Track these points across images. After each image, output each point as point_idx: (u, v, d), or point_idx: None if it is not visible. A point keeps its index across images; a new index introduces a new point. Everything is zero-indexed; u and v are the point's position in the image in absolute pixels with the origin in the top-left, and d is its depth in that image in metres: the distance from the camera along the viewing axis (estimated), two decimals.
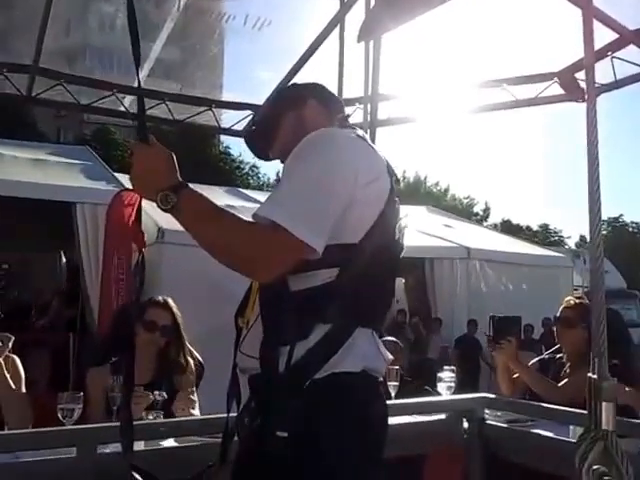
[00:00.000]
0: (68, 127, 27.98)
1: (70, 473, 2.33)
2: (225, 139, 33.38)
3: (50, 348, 8.06)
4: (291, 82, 2.25)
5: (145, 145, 1.74)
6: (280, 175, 1.88)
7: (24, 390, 3.14)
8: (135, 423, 2.04)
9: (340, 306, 1.71)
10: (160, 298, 3.52)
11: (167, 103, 4.33)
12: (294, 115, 2.03)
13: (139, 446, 2.32)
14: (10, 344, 3.14)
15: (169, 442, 2.61)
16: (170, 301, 3.51)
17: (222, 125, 4.95)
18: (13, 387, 3.08)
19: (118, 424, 2.19)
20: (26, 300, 9.09)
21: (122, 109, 4.37)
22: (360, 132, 1.94)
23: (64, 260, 9.34)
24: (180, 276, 6.39)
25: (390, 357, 1.90)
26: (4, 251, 9.35)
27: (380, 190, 1.78)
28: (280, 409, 1.67)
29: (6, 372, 3.07)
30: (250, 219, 1.69)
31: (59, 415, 2.60)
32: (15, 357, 3.20)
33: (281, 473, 1.66)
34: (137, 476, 1.89)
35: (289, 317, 1.72)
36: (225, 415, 1.97)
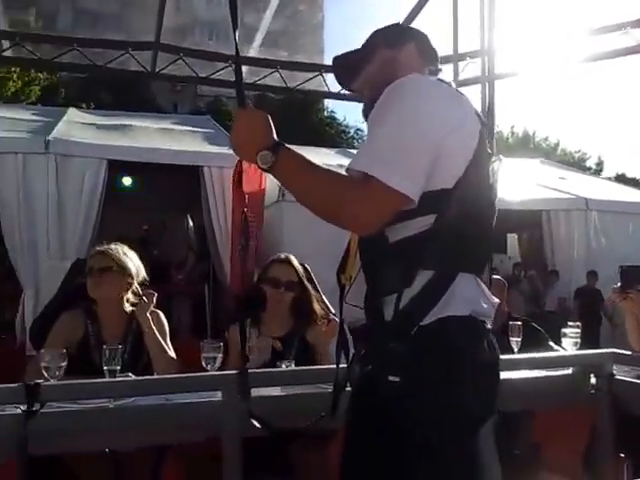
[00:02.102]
0: (184, 100, 28.69)
1: (217, 415, 2.50)
2: (329, 104, 33.62)
3: (189, 299, 8.47)
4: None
5: (243, 110, 1.79)
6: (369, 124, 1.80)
7: (169, 341, 3.31)
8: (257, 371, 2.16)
9: (440, 252, 1.68)
10: (282, 255, 3.63)
11: (280, 71, 4.38)
12: (389, 53, 1.97)
13: (256, 393, 2.38)
14: (154, 299, 3.31)
15: (281, 391, 2.70)
16: (292, 257, 3.61)
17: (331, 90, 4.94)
18: (159, 340, 3.25)
19: (259, 371, 2.35)
20: (164, 257, 9.53)
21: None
22: (446, 80, 1.87)
23: (190, 222, 9.70)
24: (301, 233, 6.55)
25: (496, 300, 1.83)
26: (144, 214, 9.84)
27: (470, 135, 1.73)
28: (391, 355, 1.67)
29: (153, 326, 3.24)
30: None
31: (203, 363, 2.74)
32: (159, 312, 3.36)
33: (394, 418, 1.64)
34: (254, 422, 1.99)
35: (391, 267, 1.72)
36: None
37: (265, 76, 4.27)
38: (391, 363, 1.66)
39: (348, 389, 1.94)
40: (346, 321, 2.05)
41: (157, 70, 4.24)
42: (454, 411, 1.64)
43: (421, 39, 2.02)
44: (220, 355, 2.76)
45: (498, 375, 1.80)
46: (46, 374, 2.57)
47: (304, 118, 27.44)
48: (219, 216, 7.37)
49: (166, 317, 3.42)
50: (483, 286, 1.80)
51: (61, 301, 3.55)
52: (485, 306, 1.76)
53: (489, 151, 1.81)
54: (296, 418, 2.21)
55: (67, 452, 2.69)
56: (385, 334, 1.70)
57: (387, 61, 1.96)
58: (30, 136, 7.42)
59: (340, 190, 1.65)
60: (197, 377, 2.65)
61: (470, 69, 3.28)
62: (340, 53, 2.09)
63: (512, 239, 12.66)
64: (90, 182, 6.99)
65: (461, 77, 4.41)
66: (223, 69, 4.25)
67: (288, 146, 1.73)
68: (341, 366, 1.98)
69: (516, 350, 3.31)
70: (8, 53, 4.27)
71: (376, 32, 2.06)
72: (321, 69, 4.67)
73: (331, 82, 4.92)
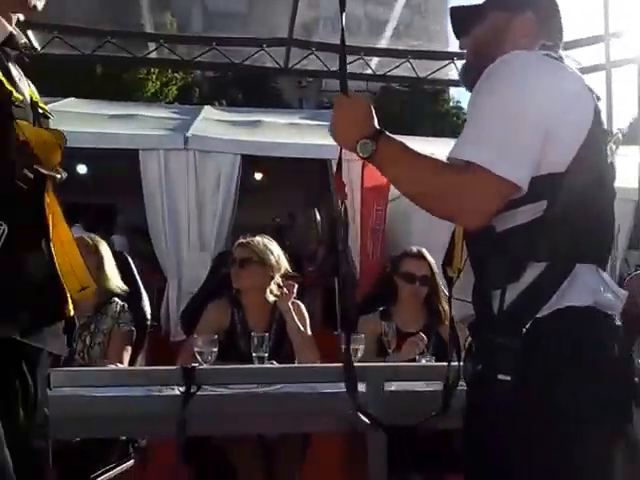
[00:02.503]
0: (309, 95, 29.07)
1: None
2: (455, 94, 32.98)
3: (320, 291, 8.61)
4: None
5: (345, 97, 1.70)
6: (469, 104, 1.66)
7: (309, 332, 3.39)
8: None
9: (553, 242, 1.54)
10: (414, 249, 3.62)
11: (410, 61, 4.36)
12: (502, 17, 1.78)
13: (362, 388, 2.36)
14: (295, 290, 3.41)
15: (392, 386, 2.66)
16: (424, 251, 3.60)
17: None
18: (302, 329, 3.35)
19: (402, 364, 2.37)
20: (295, 250, 9.73)
21: (369, 72, 4.47)
22: (556, 55, 1.69)
23: (318, 216, 9.81)
24: (430, 226, 6.50)
25: (624, 292, 1.65)
26: (274, 207, 10.07)
27: (583, 114, 1.58)
28: (500, 352, 1.56)
29: (295, 316, 3.35)
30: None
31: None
32: (300, 303, 3.47)
33: (508, 419, 1.55)
34: (363, 417, 1.95)
35: (499, 259, 1.59)
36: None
37: (396, 66, 4.24)
38: (501, 361, 1.55)
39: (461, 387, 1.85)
40: (456, 317, 1.97)
41: (290, 65, 4.33)
42: (573, 413, 1.50)
43: (545, 6, 1.80)
44: (362, 346, 2.81)
45: (629, 374, 1.65)
46: (199, 358, 2.70)
47: (430, 109, 27.18)
48: (348, 209, 7.42)
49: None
50: (607, 277, 1.65)
51: (208, 290, 3.72)
52: (610, 298, 1.60)
53: (605, 128, 1.66)
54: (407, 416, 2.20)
55: (220, 434, 2.84)
56: (494, 330, 1.59)
57: (498, 26, 1.78)
58: (170, 133, 7.71)
59: (444, 180, 1.56)
60: (335, 368, 2.70)
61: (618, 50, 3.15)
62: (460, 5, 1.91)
63: None
64: (226, 176, 7.19)
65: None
66: (353, 62, 4.26)
67: (389, 134, 1.65)
68: (453, 364, 1.90)
69: None
70: (153, 55, 4.48)
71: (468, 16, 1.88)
72: (453, 57, 4.55)
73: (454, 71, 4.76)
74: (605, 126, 1.66)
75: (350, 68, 4.69)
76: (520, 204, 1.55)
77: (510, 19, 1.77)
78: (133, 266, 3.63)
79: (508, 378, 1.53)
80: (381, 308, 3.57)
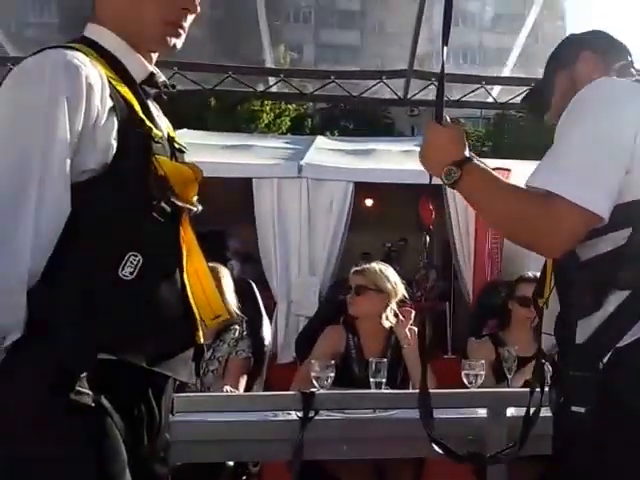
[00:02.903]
0: (421, 123, 29.00)
1: (482, 432, 2.50)
2: None
3: (430, 316, 8.53)
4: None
5: (437, 124, 1.71)
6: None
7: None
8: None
9: (637, 269, 1.48)
10: (530, 274, 3.54)
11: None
12: (566, 74, 1.81)
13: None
14: (412, 317, 3.41)
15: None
16: None
17: None
18: (417, 356, 3.32)
19: (524, 390, 2.32)
20: (405, 275, 9.70)
21: (490, 100, 4.44)
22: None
23: (427, 239, 9.72)
24: None
25: None
26: (386, 232, 10.08)
27: None
28: (575, 383, 1.52)
29: (412, 342, 3.33)
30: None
31: (464, 380, 2.77)
32: (415, 329, 3.39)
33: (583, 453, 1.49)
34: (435, 447, 1.91)
35: (582, 288, 1.55)
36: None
37: (519, 94, 4.20)
38: (577, 392, 1.50)
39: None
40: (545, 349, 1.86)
41: (409, 96, 4.35)
42: None
43: (596, 41, 1.82)
44: (482, 372, 2.77)
45: None
46: (316, 383, 2.72)
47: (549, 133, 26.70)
48: (461, 233, 7.33)
49: None
50: None
51: (323, 317, 3.76)
52: None
53: None
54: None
55: (335, 458, 2.85)
56: (574, 360, 1.55)
57: (567, 81, 1.80)
58: (284, 162, 7.89)
59: (526, 210, 1.53)
60: (462, 393, 2.69)
61: None
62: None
63: None
64: (338, 203, 7.26)
65: None
66: (476, 90, 4.24)
67: (478, 162, 1.64)
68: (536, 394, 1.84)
69: None
70: (274, 89, 4.61)
71: (550, 56, 1.92)
72: None
73: None
74: None
75: (471, 97, 4.65)
76: (604, 232, 1.51)
77: (572, 70, 1.80)
78: (257, 293, 3.69)
79: (582, 410, 1.48)
80: (489, 333, 3.54)
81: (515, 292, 3.56)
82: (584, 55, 1.78)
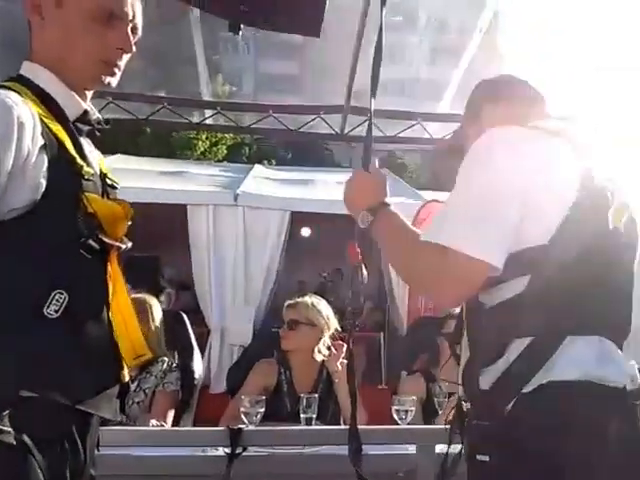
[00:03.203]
0: (359, 156, 29.28)
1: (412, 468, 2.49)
2: None
3: (364, 346, 8.55)
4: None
5: (362, 170, 1.83)
6: None
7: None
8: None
9: (537, 316, 1.49)
10: (458, 310, 3.62)
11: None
12: (474, 123, 1.83)
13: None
14: (344, 350, 3.34)
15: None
16: None
17: None
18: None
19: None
20: (338, 305, 9.70)
21: (426, 136, 4.49)
22: (543, 124, 1.65)
23: (365, 271, 9.75)
24: None
25: (633, 372, 1.54)
26: (321, 262, 10.10)
27: (564, 184, 1.52)
28: (480, 431, 1.54)
29: (344, 377, 3.32)
30: None
31: (394, 416, 2.76)
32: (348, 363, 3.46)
33: None
34: None
35: (485, 336, 1.57)
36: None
37: (454, 131, 4.26)
38: (481, 440, 1.53)
39: None
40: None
41: (346, 132, 4.38)
42: None
43: (503, 90, 1.83)
44: (413, 409, 2.77)
45: (635, 453, 1.48)
46: (245, 419, 2.68)
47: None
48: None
49: None
50: (613, 349, 1.54)
51: (257, 349, 3.73)
52: (609, 371, 1.49)
53: (606, 193, 1.57)
54: None
55: None
56: (478, 408, 1.58)
57: (475, 132, 1.75)
58: (220, 190, 7.86)
59: (423, 262, 1.56)
60: (392, 430, 2.68)
61: None
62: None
63: None
64: (274, 232, 7.26)
65: None
66: (412, 126, 4.27)
67: (391, 210, 1.72)
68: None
69: None
70: (209, 121, 4.59)
71: (466, 104, 1.93)
72: None
73: None
74: (608, 190, 1.58)
75: (408, 133, 4.67)
76: (504, 280, 1.52)
77: (479, 120, 1.82)
78: (188, 324, 3.65)
79: (487, 458, 1.49)
80: (420, 369, 3.57)
81: (444, 328, 3.57)
82: (486, 110, 1.81)
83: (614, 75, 3.84)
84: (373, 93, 1.88)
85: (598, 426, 1.43)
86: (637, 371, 1.58)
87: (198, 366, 3.60)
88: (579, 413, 1.44)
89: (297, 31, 2.84)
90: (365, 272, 1.92)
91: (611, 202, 1.57)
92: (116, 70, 1.60)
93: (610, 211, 1.57)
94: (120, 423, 3.03)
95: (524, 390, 1.47)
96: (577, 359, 1.48)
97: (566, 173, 1.54)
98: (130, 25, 1.59)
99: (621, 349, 1.59)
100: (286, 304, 3.52)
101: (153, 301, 3.40)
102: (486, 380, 1.53)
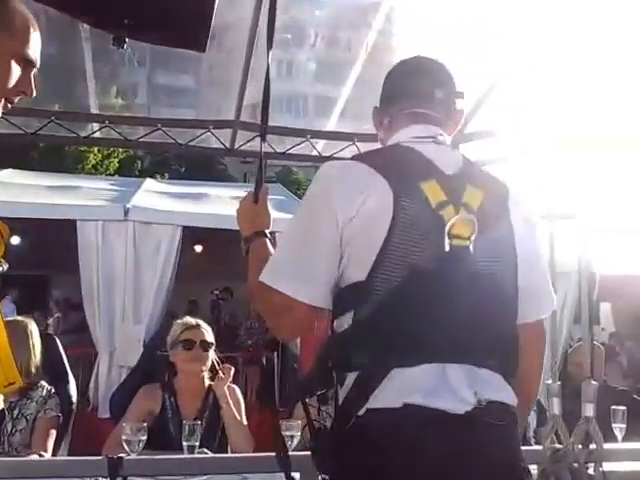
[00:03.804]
0: (253, 171, 29.36)
1: None
2: None
3: (257, 366, 8.48)
4: None
5: (248, 198, 1.96)
6: None
7: (244, 417, 3.29)
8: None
9: (362, 351, 1.53)
10: None
11: (357, 144, 4.40)
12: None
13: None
14: (232, 374, 3.30)
15: None
16: None
17: None
18: (237, 416, 3.23)
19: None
20: (234, 323, 9.61)
21: (315, 153, 4.50)
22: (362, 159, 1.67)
23: None
24: None
25: (469, 398, 1.49)
26: (213, 280, 9.97)
27: (375, 220, 1.52)
28: (319, 453, 1.68)
29: (230, 401, 3.23)
30: None
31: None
32: (236, 387, 3.37)
33: None
34: None
35: (332, 364, 1.63)
36: None
37: (342, 149, 4.26)
38: (323, 460, 1.64)
39: None
40: None
41: (236, 147, 4.33)
42: None
43: (383, 92, 1.87)
44: (299, 434, 2.72)
45: (461, 468, 1.48)
46: (127, 447, 2.57)
47: None
48: None
49: (235, 383, 3.43)
50: (454, 378, 1.51)
51: (141, 373, 3.60)
52: (435, 397, 1.48)
53: (439, 214, 1.55)
54: None
55: None
56: (318, 432, 1.73)
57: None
58: (110, 204, 7.65)
59: (261, 301, 1.69)
60: (270, 457, 2.61)
61: None
62: None
63: (605, 308, 11.65)
64: (165, 248, 7.12)
65: None
66: (302, 143, 4.27)
67: (264, 242, 1.83)
68: None
69: (620, 438, 2.95)
70: (97, 135, 4.45)
71: None
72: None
73: None
74: (445, 210, 1.56)
75: (297, 150, 4.66)
76: (338, 314, 1.59)
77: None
78: (61, 348, 3.52)
79: (327, 478, 1.61)
80: (319, 392, 3.51)
81: None
82: (375, 113, 1.88)
83: (552, 75, 3.93)
84: (263, 135, 2.07)
85: (415, 447, 1.46)
86: (495, 393, 1.55)
87: (74, 391, 3.51)
88: (398, 435, 1.48)
89: (183, 46, 2.78)
90: None
91: (446, 222, 1.54)
92: (9, 106, 1.56)
93: (446, 232, 1.53)
94: (2, 452, 2.91)
95: (359, 413, 1.51)
96: (400, 389, 1.49)
97: (377, 209, 1.53)
98: (34, 70, 1.56)
99: (494, 369, 1.57)
100: (186, 324, 3.39)
101: (33, 326, 3.27)
102: (338, 402, 1.59)
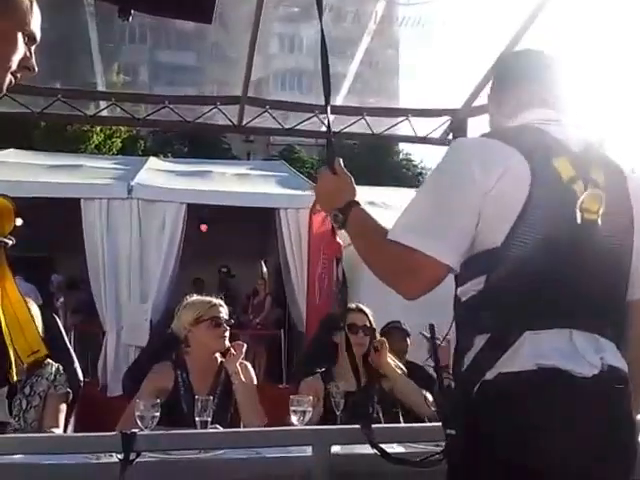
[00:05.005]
0: (257, 149, 29.32)
1: (307, 471, 2.47)
2: (404, 147, 33.78)
3: (264, 344, 8.52)
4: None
5: (327, 172, 1.95)
6: None
7: (256, 392, 3.34)
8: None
9: (494, 314, 1.65)
10: (352, 305, 3.69)
11: (366, 117, 4.37)
12: (488, 106, 2.01)
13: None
14: (243, 351, 3.33)
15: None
16: (362, 306, 3.69)
17: (418, 134, 4.81)
18: (249, 393, 3.28)
19: (348, 427, 2.35)
20: (240, 301, 9.63)
21: (323, 129, 4.46)
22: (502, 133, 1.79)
23: (265, 268, 9.73)
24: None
25: (595, 362, 1.61)
26: (219, 258, 9.98)
27: (513, 189, 1.63)
28: (450, 409, 1.74)
29: (242, 377, 3.27)
30: None
31: (292, 418, 2.73)
32: (248, 364, 3.40)
33: (454, 469, 1.71)
34: (376, 451, 2.00)
35: (460, 327, 1.75)
36: None
37: (352, 123, 4.24)
38: (451, 416, 1.70)
39: None
40: None
41: (244, 123, 4.30)
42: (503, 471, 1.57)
43: (502, 71, 2.00)
44: (310, 409, 2.75)
45: (591, 437, 1.59)
46: (140, 423, 2.60)
47: (381, 161, 27.79)
48: (295, 259, 7.38)
49: None
50: (582, 343, 1.62)
51: (153, 351, 3.62)
52: (569, 362, 1.59)
53: (573, 188, 1.67)
54: None
55: None
56: (452, 390, 1.76)
57: (488, 115, 2.01)
58: (114, 182, 7.66)
59: (387, 258, 1.72)
60: (288, 431, 2.65)
61: None
62: None
63: None
64: (170, 226, 7.14)
65: None
66: (309, 119, 4.25)
67: (359, 209, 1.84)
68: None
69: None
70: (104, 113, 4.43)
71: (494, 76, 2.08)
72: (408, 113, 4.51)
73: (418, 126, 4.67)
74: (576, 185, 1.67)
75: (305, 125, 4.65)
76: (467, 279, 1.69)
77: (490, 104, 1.99)
78: (61, 326, 3.55)
79: (453, 432, 1.67)
80: (321, 369, 3.56)
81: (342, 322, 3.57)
82: (496, 90, 1.96)
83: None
84: (327, 99, 2.03)
85: (550, 408, 1.57)
86: (614, 360, 1.67)
87: (78, 368, 3.52)
88: (533, 397, 1.58)
89: (189, 17, 2.77)
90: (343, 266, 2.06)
91: (578, 196, 1.66)
92: (14, 82, 1.58)
93: (578, 205, 1.66)
94: (18, 429, 2.95)
95: (487, 377, 1.61)
96: (534, 352, 1.59)
97: (516, 179, 1.64)
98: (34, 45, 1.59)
99: (609, 338, 1.69)
100: (211, 303, 3.41)
101: (33, 305, 3.28)
102: (464, 366, 1.69)
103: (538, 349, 1.60)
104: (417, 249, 1.61)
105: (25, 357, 1.55)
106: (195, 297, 3.52)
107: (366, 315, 3.63)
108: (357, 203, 1.86)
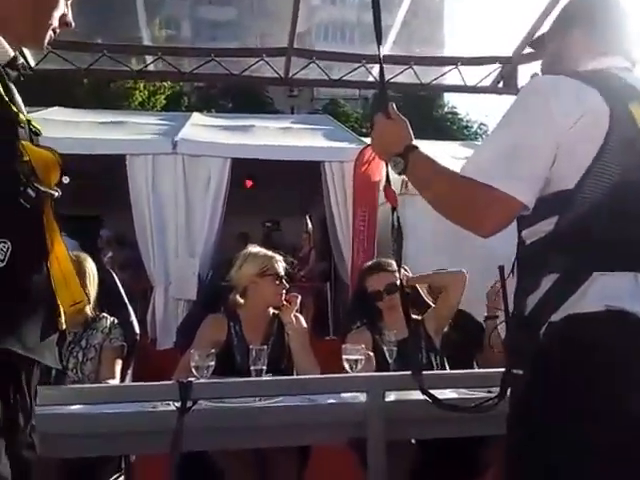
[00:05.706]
0: (301, 104, 29.10)
1: (361, 417, 2.53)
2: (450, 100, 33.10)
3: (311, 296, 8.57)
4: None
5: (383, 117, 1.93)
6: None
7: (309, 342, 3.40)
8: None
9: (564, 255, 1.65)
10: (370, 263, 3.75)
11: (413, 67, 4.31)
12: (555, 47, 1.97)
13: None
14: (297, 302, 3.40)
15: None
16: (382, 262, 3.62)
17: (467, 84, 4.72)
18: (303, 343, 3.34)
19: (401, 373, 2.38)
20: (286, 255, 9.66)
21: (371, 79, 4.42)
22: (590, 67, 1.80)
23: (309, 222, 9.72)
24: (423, 228, 6.44)
25: None
26: (264, 212, 10.02)
27: (592, 130, 1.63)
28: (516, 349, 1.74)
29: (297, 329, 3.34)
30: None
31: (345, 365, 2.77)
32: (300, 316, 3.45)
33: (520, 409, 1.69)
34: (425, 397, 1.99)
35: (525, 270, 1.76)
36: None
37: (399, 73, 4.18)
38: (517, 357, 1.72)
39: None
40: None
41: (290, 75, 4.27)
42: (574, 415, 1.57)
43: (591, 17, 1.90)
44: (362, 358, 2.79)
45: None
46: (196, 373, 2.67)
47: (426, 114, 27.39)
48: (340, 212, 7.36)
49: None
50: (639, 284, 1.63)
51: (205, 303, 3.69)
52: (636, 302, 1.60)
53: None
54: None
55: (216, 448, 2.81)
56: (516, 331, 1.77)
57: (554, 50, 1.97)
58: (159, 138, 7.68)
59: (460, 196, 1.72)
60: (343, 378, 2.70)
61: None
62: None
63: None
64: (215, 180, 7.14)
65: None
66: (357, 69, 4.20)
67: (419, 152, 1.83)
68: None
69: None
70: (151, 67, 4.43)
71: (560, 11, 2.03)
72: (457, 62, 4.42)
73: (468, 75, 4.58)
74: None
75: (352, 76, 4.60)
76: (539, 220, 1.69)
77: (560, 42, 1.93)
78: (118, 282, 3.60)
79: (520, 372, 1.69)
80: (361, 323, 3.59)
81: (367, 288, 3.57)
82: (572, 35, 1.90)
83: None
84: (379, 42, 2.03)
85: (619, 351, 1.57)
86: None
87: (135, 322, 3.60)
88: (599, 338, 1.58)
89: None
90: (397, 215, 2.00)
91: None
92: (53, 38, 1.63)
93: None
94: (76, 380, 3.05)
95: (553, 319, 1.63)
96: (602, 294, 1.60)
97: (594, 120, 1.64)
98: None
99: None
100: (273, 258, 3.48)
101: (89, 262, 3.34)
102: (527, 308, 1.70)
103: (606, 291, 1.61)
104: (494, 186, 1.62)
105: (67, 307, 1.59)
106: (257, 248, 3.55)
107: (385, 271, 3.52)
108: (415, 147, 1.85)
